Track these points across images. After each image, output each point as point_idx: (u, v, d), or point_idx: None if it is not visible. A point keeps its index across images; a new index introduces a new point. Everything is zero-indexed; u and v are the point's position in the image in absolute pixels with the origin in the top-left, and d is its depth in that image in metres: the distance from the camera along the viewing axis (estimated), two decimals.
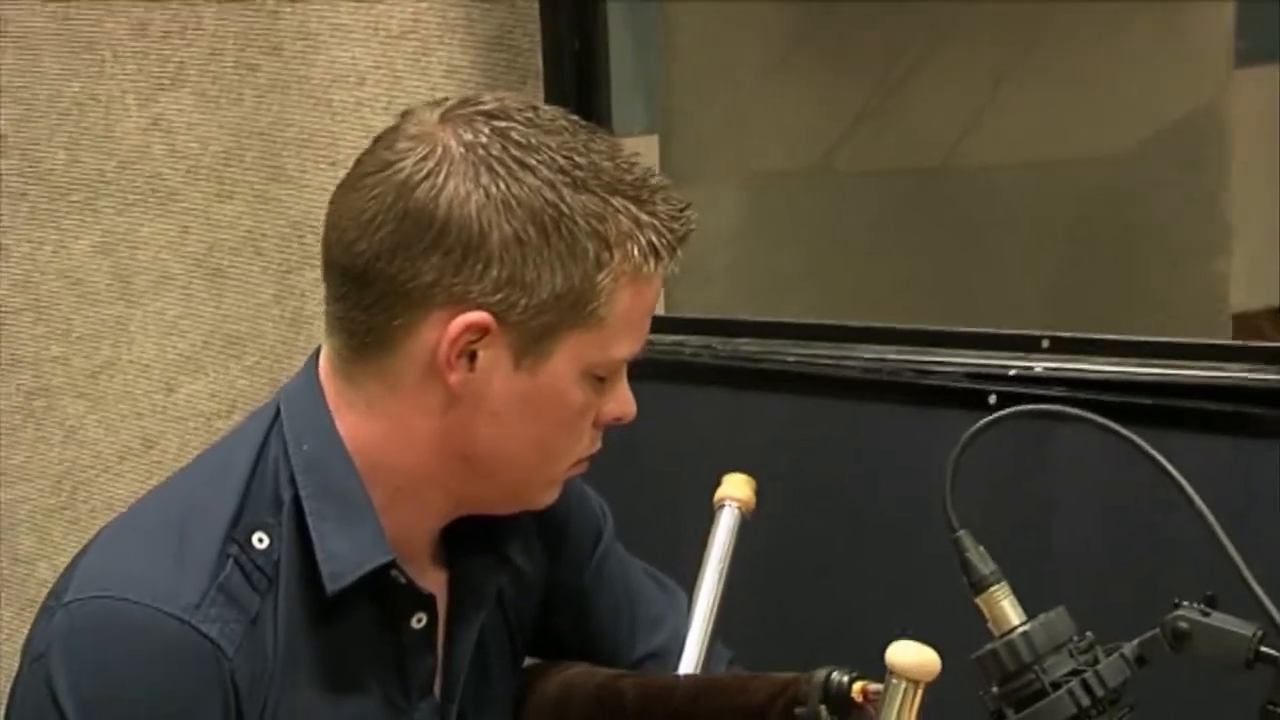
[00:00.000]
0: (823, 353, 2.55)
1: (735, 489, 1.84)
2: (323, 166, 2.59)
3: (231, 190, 2.64)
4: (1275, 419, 2.32)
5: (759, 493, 1.84)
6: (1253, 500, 2.17)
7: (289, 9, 2.62)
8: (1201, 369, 2.39)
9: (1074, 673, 1.47)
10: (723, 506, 1.83)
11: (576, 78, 2.63)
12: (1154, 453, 1.52)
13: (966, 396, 2.40)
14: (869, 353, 2.52)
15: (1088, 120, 3.20)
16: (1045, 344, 2.43)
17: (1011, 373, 2.41)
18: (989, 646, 1.50)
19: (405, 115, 1.56)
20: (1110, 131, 3.22)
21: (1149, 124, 3.26)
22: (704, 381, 2.52)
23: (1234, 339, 3.42)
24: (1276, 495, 2.23)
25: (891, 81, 3.15)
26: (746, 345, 2.59)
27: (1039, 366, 2.41)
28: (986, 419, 1.54)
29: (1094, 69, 3.21)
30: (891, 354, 2.51)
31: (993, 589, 1.52)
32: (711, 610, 1.80)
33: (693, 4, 3.14)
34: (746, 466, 1.86)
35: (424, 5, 2.59)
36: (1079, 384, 2.36)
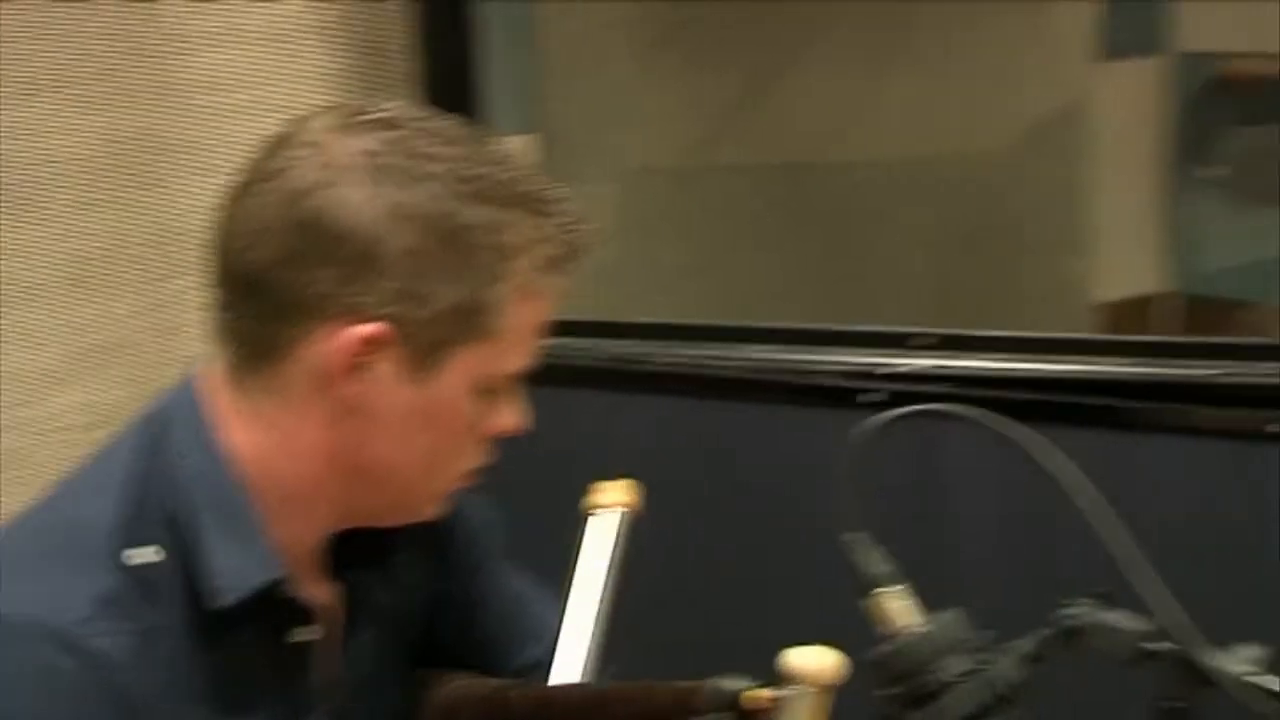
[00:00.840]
0: (704, 353, 2.55)
1: (607, 496, 1.82)
2: (194, 173, 2.56)
3: (100, 197, 2.60)
4: (1150, 412, 2.35)
5: (644, 497, 1.83)
6: (1130, 493, 2.19)
7: (159, 12, 2.58)
8: (1076, 363, 2.42)
9: (971, 672, 1.47)
10: (593, 514, 1.82)
11: (451, 79, 2.62)
12: (1040, 450, 1.52)
13: (847, 395, 2.41)
14: (751, 353, 2.52)
15: (957, 116, 3.23)
16: (925, 340, 2.45)
17: (892, 370, 2.42)
18: (884, 647, 1.50)
19: (297, 122, 1.54)
20: (979, 127, 3.25)
21: (1018, 118, 3.29)
22: (585, 384, 2.51)
23: (1102, 331, 3.46)
24: (1151, 488, 2.26)
25: (763, 77, 3.15)
26: (627, 347, 2.58)
27: (920, 363, 2.42)
28: (876, 419, 1.54)
29: (962, 65, 3.23)
30: (773, 353, 2.51)
31: (887, 590, 1.52)
32: (596, 621, 1.78)
33: (565, 3, 3.13)
34: (630, 470, 1.85)
35: (296, 9, 2.57)
36: (960, 380, 2.38)
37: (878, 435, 1.52)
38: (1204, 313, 3.65)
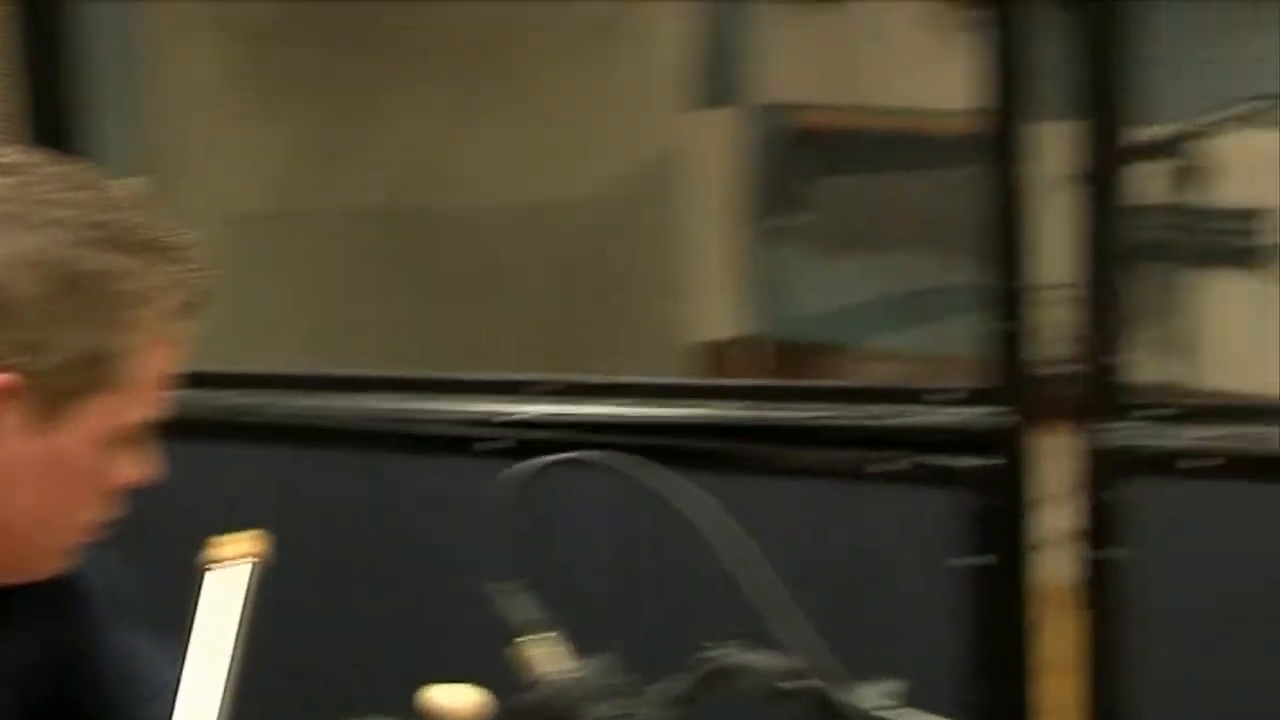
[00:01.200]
0: (319, 404, 2.52)
1: (229, 549, 1.78)
2: None
3: None
4: (759, 454, 2.40)
5: (266, 549, 1.79)
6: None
7: None
8: (685, 407, 2.46)
9: (619, 716, 1.48)
10: (211, 569, 1.77)
11: (56, 120, 2.55)
12: (691, 499, 1.54)
13: (464, 443, 2.40)
14: (367, 402, 2.50)
15: (557, 162, 3.27)
16: (541, 388, 2.46)
17: (509, 418, 2.43)
18: (529, 694, 1.50)
19: None
20: (578, 173, 3.29)
21: (613, 165, 3.34)
22: (198, 436, 2.45)
23: (695, 373, 3.54)
24: (761, 530, 2.30)
25: (366, 122, 3.15)
26: (238, 398, 2.54)
27: (535, 410, 2.44)
28: (526, 466, 1.54)
29: (558, 112, 3.27)
30: (389, 402, 2.50)
31: (532, 636, 1.51)
32: (225, 676, 1.73)
33: (172, 47, 3.07)
34: (247, 523, 1.81)
35: None
36: (574, 426, 2.40)
37: (527, 482, 1.52)
38: (792, 356, 3.77)
